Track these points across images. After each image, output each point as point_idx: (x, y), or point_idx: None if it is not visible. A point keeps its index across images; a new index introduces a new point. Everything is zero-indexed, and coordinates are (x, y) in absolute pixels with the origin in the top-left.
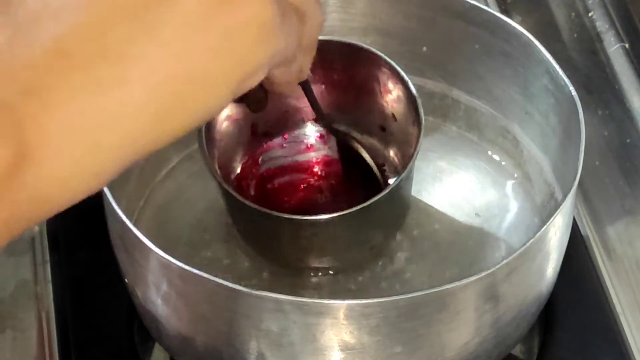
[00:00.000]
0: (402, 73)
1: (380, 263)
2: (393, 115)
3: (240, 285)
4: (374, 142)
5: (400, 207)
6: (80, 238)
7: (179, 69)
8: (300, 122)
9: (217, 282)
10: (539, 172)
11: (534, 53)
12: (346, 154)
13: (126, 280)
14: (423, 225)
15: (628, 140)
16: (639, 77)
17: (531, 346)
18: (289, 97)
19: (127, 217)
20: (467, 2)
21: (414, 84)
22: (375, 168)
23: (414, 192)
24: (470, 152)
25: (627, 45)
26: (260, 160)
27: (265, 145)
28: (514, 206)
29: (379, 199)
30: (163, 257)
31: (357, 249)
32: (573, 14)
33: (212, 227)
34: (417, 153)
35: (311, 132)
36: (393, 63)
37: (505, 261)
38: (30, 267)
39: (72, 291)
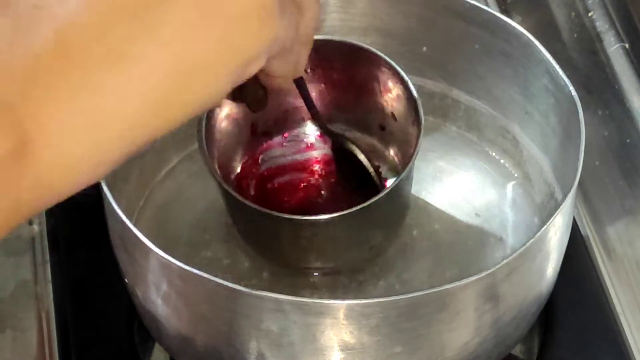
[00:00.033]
0: (402, 73)
1: (380, 263)
2: (393, 115)
3: (240, 285)
4: (373, 141)
5: (400, 207)
6: (80, 238)
7: (179, 58)
8: (300, 121)
9: (217, 282)
10: (539, 172)
11: (534, 53)
12: (341, 155)
13: (126, 280)
14: (423, 225)
15: (628, 140)
16: (639, 77)
17: (531, 346)
18: (289, 96)
19: (127, 217)
20: (467, 2)
21: (414, 84)
22: (371, 169)
23: (414, 192)
24: (470, 152)
25: (627, 45)
26: (260, 159)
27: (265, 145)
28: (514, 206)
29: (379, 199)
30: (163, 257)
31: (357, 249)
32: (573, 14)
33: (212, 227)
34: (417, 153)
35: (311, 131)
36: (393, 63)
37: (505, 261)
38: (30, 267)
39: (72, 291)
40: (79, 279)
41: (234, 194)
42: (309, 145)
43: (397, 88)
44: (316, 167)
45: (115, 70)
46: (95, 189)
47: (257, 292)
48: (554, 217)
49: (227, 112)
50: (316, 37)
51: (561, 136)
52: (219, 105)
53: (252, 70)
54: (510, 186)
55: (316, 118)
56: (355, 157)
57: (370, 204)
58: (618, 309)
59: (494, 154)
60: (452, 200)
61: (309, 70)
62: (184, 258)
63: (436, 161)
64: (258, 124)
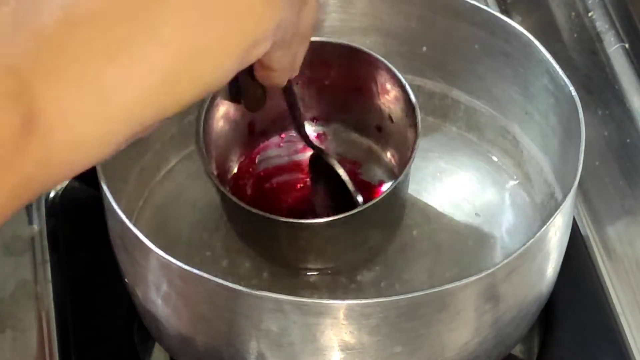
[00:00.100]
0: (400, 76)
1: (380, 263)
2: (390, 117)
3: (240, 285)
4: (370, 143)
5: (398, 208)
6: (80, 238)
7: (187, 38)
8: None
9: (217, 282)
10: (539, 172)
11: (534, 53)
12: (321, 169)
13: (126, 280)
14: (423, 225)
15: (628, 140)
16: (639, 77)
17: (531, 346)
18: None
19: (127, 217)
20: (467, 2)
21: (414, 84)
22: (350, 185)
23: (414, 192)
24: (470, 152)
25: (627, 45)
26: (257, 159)
27: (262, 145)
28: (514, 206)
29: (375, 202)
30: (163, 257)
31: (355, 250)
32: (573, 14)
33: (211, 227)
34: (414, 157)
35: (308, 131)
36: (391, 66)
37: (505, 261)
38: (30, 267)
39: (72, 291)
40: (79, 279)
41: (231, 197)
42: (306, 146)
43: (395, 90)
44: None
45: (123, 38)
46: (95, 189)
47: (257, 292)
48: (554, 217)
49: (224, 112)
50: (315, 38)
51: (561, 136)
52: (224, 85)
53: (258, 52)
54: (510, 186)
55: (299, 130)
56: (335, 172)
57: (366, 207)
58: (618, 309)
59: (494, 154)
60: (452, 200)
61: (307, 72)
62: (184, 258)
63: (436, 161)
64: (255, 124)
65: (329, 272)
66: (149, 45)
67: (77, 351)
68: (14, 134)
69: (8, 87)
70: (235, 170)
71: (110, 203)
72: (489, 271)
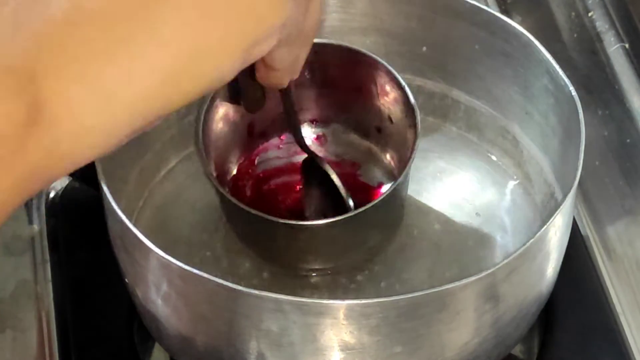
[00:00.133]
0: (400, 78)
1: (380, 263)
2: (389, 118)
3: (240, 285)
4: (370, 144)
5: (397, 209)
6: (80, 238)
7: (187, 35)
8: None
9: (217, 282)
10: (539, 172)
11: (534, 53)
12: (314, 173)
13: (126, 280)
14: (423, 225)
15: (628, 140)
16: (639, 77)
17: (531, 346)
18: None
19: (127, 217)
20: (467, 2)
21: (414, 84)
22: (343, 191)
23: (414, 192)
24: (470, 152)
25: (627, 45)
26: (256, 161)
27: (261, 146)
28: (514, 206)
29: (374, 204)
30: (163, 257)
31: (354, 251)
32: (573, 14)
33: (211, 227)
34: (413, 158)
35: (307, 133)
36: (391, 68)
37: (505, 261)
38: (30, 267)
39: (72, 291)
40: (79, 279)
41: (231, 198)
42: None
43: (394, 92)
44: None
45: (129, 31)
46: (95, 189)
47: (257, 292)
48: (554, 217)
49: (224, 113)
50: (314, 40)
51: (561, 136)
52: (227, 82)
53: (262, 50)
54: (510, 186)
55: (295, 133)
56: (328, 177)
57: (365, 209)
58: (618, 309)
59: (494, 154)
60: (452, 200)
61: (307, 74)
62: (184, 258)
63: (436, 161)
64: (255, 125)
65: (329, 272)
66: (149, 44)
67: (77, 351)
68: (19, 123)
69: (11, 81)
70: (234, 172)
71: (110, 203)
72: (489, 271)
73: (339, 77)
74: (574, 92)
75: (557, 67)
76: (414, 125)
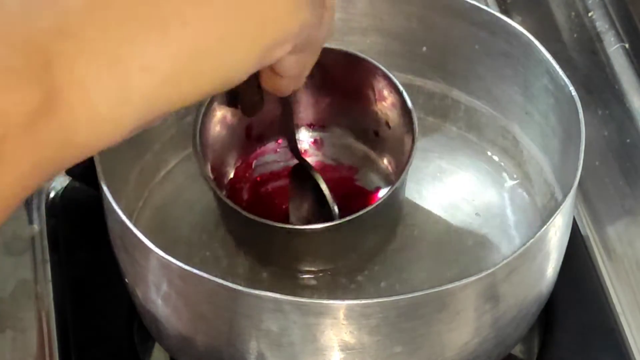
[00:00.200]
0: (397, 83)
1: (380, 263)
2: (387, 123)
3: (240, 285)
4: (367, 149)
5: (394, 212)
6: (80, 238)
7: (215, 25)
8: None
9: (217, 282)
10: (539, 172)
11: (534, 53)
12: (304, 179)
13: (126, 280)
14: (423, 225)
15: (628, 140)
16: (639, 77)
17: (531, 346)
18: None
19: (127, 217)
20: (467, 2)
21: (414, 84)
22: (330, 200)
23: (414, 192)
24: (470, 152)
25: (627, 45)
26: (254, 164)
27: (259, 150)
28: (514, 206)
29: (372, 209)
30: (163, 257)
31: (350, 255)
32: (573, 14)
33: (211, 228)
34: (411, 164)
35: (305, 137)
36: (389, 72)
37: (505, 261)
38: (30, 266)
39: (72, 291)
40: (79, 279)
41: (228, 201)
42: (303, 151)
43: (392, 97)
44: None
45: (149, 19)
46: (95, 189)
47: (257, 292)
48: (554, 217)
49: (221, 117)
50: None
51: (561, 136)
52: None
53: (278, 54)
54: (510, 186)
55: (289, 138)
56: (317, 185)
57: (362, 214)
58: (618, 309)
59: (494, 154)
60: (452, 200)
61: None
62: (184, 258)
63: (436, 161)
64: (252, 128)
65: (328, 273)
66: (167, 34)
67: (77, 351)
68: (31, 111)
69: (26, 68)
70: (232, 175)
71: (110, 203)
72: (489, 271)
73: (336, 82)
74: (574, 92)
75: (557, 67)
76: (411, 130)
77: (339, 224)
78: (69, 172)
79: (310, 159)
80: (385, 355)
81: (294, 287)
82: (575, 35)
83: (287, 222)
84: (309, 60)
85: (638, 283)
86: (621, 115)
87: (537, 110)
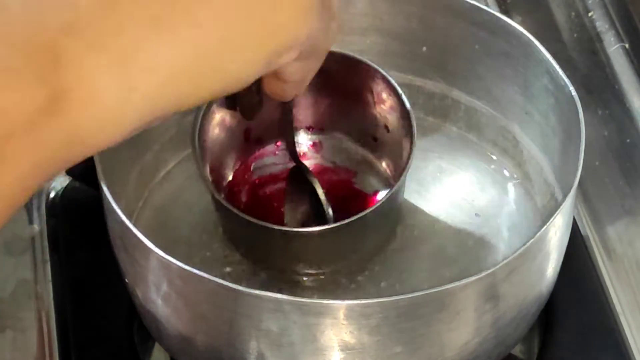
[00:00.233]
0: (397, 86)
1: (380, 263)
2: (386, 126)
3: (240, 285)
4: (366, 152)
5: (392, 215)
6: (80, 238)
7: (224, 26)
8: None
9: (217, 282)
10: (539, 172)
11: (534, 53)
12: (301, 182)
13: (126, 280)
14: (423, 225)
15: (628, 140)
16: (639, 77)
17: (531, 346)
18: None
19: (126, 217)
20: (467, 2)
21: (414, 84)
22: (325, 205)
23: (414, 191)
24: (470, 152)
25: (627, 45)
26: (252, 167)
27: (258, 152)
28: (514, 206)
29: (370, 212)
30: (163, 257)
31: (348, 257)
32: (573, 14)
33: (210, 228)
34: (409, 167)
35: (304, 140)
36: (388, 75)
37: (505, 261)
38: (30, 266)
39: (72, 291)
40: (79, 279)
41: (227, 205)
42: (301, 154)
43: (391, 100)
44: None
45: (157, 20)
46: (95, 189)
47: (257, 292)
48: (554, 217)
49: (220, 119)
50: None
51: (561, 136)
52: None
53: (284, 59)
54: (510, 186)
55: (288, 142)
56: (313, 188)
57: (360, 217)
58: (618, 309)
59: (494, 154)
60: (452, 200)
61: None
62: (184, 258)
63: (436, 161)
64: (251, 131)
65: (326, 274)
66: (176, 35)
67: (77, 351)
68: (36, 110)
69: (34, 66)
70: (230, 177)
71: (110, 203)
72: (489, 271)
73: (335, 84)
74: (574, 92)
75: (557, 67)
76: (410, 133)
77: (337, 226)
78: (69, 172)
79: (309, 162)
80: (385, 355)
81: (294, 287)
82: (575, 35)
83: (285, 225)
84: (313, 67)
85: (638, 283)
86: (621, 115)
87: (537, 110)
